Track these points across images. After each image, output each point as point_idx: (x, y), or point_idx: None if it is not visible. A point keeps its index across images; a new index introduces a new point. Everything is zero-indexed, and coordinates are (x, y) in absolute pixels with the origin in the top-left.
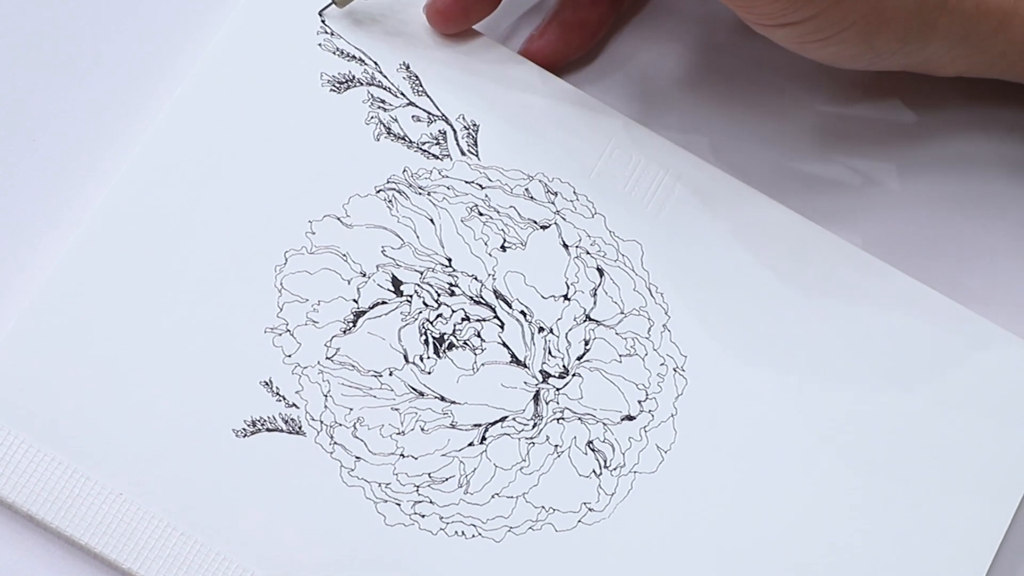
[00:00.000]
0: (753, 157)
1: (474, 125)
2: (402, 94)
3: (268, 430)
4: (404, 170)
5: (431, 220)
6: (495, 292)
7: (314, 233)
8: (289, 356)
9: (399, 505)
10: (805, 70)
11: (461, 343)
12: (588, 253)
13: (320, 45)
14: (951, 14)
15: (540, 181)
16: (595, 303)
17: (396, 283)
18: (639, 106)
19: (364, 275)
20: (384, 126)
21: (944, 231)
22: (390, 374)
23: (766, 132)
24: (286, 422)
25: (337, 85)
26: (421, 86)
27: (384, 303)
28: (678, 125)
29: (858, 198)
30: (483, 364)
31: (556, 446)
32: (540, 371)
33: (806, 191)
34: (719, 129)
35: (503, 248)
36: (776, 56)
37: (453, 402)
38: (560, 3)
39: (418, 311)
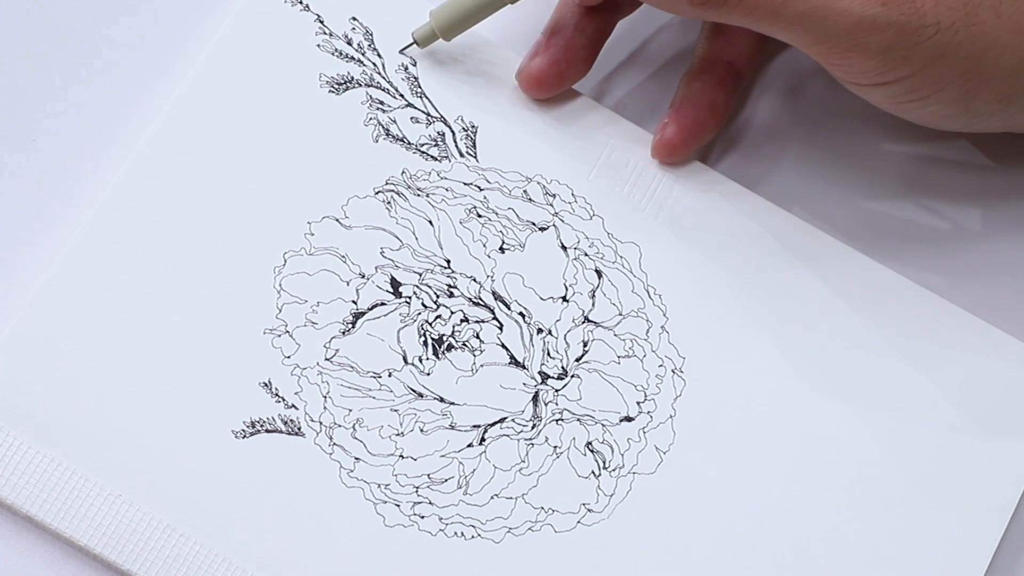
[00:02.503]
0: (842, 206)
1: (473, 127)
2: (401, 95)
3: (267, 431)
4: (403, 171)
5: (430, 222)
6: (494, 294)
7: (313, 234)
8: (288, 357)
9: (398, 506)
10: (894, 121)
11: (460, 344)
12: (586, 255)
13: (319, 46)
14: None
15: (539, 183)
16: (593, 304)
17: (395, 284)
18: (726, 156)
19: (363, 276)
20: (383, 127)
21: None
22: (389, 375)
23: (852, 180)
24: (285, 423)
25: (336, 86)
26: (420, 87)
27: (383, 304)
28: (761, 170)
29: (947, 252)
30: (482, 365)
31: (555, 447)
32: (539, 372)
33: (894, 243)
34: (808, 180)
35: (502, 250)
36: (866, 108)
37: (452, 403)
38: (684, 85)
39: (417, 312)
